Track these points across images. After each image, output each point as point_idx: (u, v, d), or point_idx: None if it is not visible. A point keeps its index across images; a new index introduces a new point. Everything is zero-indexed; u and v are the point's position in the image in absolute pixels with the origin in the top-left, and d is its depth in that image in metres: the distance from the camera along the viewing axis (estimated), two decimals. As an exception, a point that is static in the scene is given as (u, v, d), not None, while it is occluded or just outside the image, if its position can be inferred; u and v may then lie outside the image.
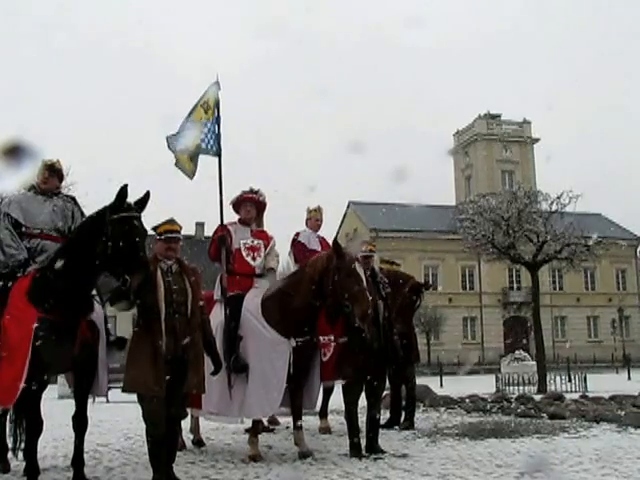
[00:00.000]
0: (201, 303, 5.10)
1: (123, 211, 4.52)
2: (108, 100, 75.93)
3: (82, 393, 5.01)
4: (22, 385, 4.51)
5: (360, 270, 5.76)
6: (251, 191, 6.76)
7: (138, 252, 4.46)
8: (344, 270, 5.65)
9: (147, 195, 4.72)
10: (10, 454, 5.71)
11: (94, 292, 5.08)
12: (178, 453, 5.40)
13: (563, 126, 76.19)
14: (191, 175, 6.50)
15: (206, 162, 6.64)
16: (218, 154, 6.62)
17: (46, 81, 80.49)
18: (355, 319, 5.57)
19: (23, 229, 5.27)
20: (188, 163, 6.48)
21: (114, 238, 4.44)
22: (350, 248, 5.99)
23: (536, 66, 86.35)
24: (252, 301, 6.08)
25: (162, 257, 4.92)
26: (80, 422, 4.96)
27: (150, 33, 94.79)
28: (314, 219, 7.66)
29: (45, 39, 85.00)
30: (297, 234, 7.66)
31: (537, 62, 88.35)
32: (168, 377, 4.67)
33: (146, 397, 4.74)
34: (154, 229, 4.97)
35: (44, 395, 4.96)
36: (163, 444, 4.80)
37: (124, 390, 4.88)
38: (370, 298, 5.72)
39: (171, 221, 5.02)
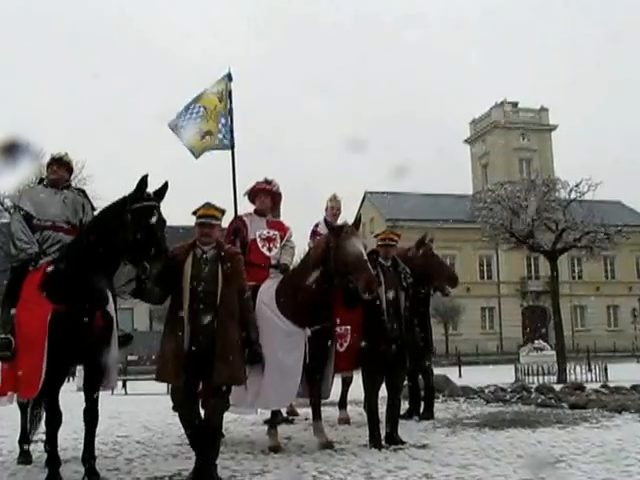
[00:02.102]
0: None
1: (143, 201, 4.53)
2: (114, 94, 76.45)
3: (93, 386, 4.95)
4: (43, 377, 4.53)
5: (360, 243, 5.65)
6: (265, 181, 6.72)
7: (158, 240, 4.47)
8: (342, 245, 5.57)
9: (165, 185, 4.70)
10: (31, 446, 5.77)
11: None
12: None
13: (582, 113, 75.38)
14: (197, 156, 6.51)
15: (219, 153, 6.64)
16: (231, 146, 6.60)
17: (46, 76, 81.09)
18: (361, 293, 5.43)
19: (35, 221, 5.27)
20: (199, 145, 6.47)
21: (134, 227, 4.45)
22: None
23: (553, 52, 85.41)
24: (267, 292, 6.03)
25: (200, 243, 4.84)
26: (91, 417, 4.88)
27: (148, 28, 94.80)
28: (330, 208, 7.62)
29: (45, 34, 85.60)
30: (317, 225, 7.62)
31: (554, 48, 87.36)
32: (195, 369, 4.61)
33: (172, 388, 4.77)
34: (193, 213, 4.93)
35: (63, 387, 4.97)
36: (198, 434, 4.76)
37: (155, 378, 4.93)
38: (375, 273, 5.64)
39: (206, 205, 4.93)
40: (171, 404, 5.24)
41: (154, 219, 4.51)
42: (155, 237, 4.46)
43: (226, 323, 4.68)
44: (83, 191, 5.80)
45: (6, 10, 75.93)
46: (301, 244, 7.51)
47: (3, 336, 4.80)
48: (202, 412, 4.86)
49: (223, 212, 5.00)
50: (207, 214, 4.88)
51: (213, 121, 6.50)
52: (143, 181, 4.56)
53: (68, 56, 79.94)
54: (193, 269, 4.72)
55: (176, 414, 5.06)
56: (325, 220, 6.36)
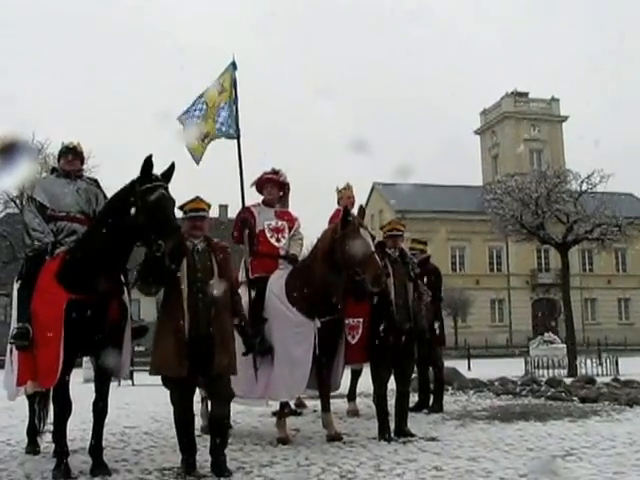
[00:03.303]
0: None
1: (150, 182, 4.56)
2: (114, 89, 76.61)
3: (104, 377, 4.94)
4: (61, 366, 4.54)
5: (366, 235, 5.60)
6: (273, 171, 6.67)
7: (169, 217, 4.51)
8: (349, 237, 5.53)
9: (172, 167, 4.71)
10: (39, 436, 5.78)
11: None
12: (204, 436, 5.36)
13: (593, 103, 74.71)
14: (198, 161, 6.42)
15: (226, 144, 6.58)
16: (237, 136, 6.53)
17: (45, 71, 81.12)
18: (368, 285, 5.40)
19: (48, 212, 5.26)
20: (199, 148, 6.38)
21: (144, 208, 4.47)
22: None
23: (564, 42, 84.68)
24: (276, 282, 6.01)
25: (188, 236, 4.87)
26: (100, 408, 4.88)
27: (149, 21, 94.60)
28: (346, 197, 7.55)
29: (45, 25, 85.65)
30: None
31: (565, 38, 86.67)
32: (194, 358, 4.61)
33: (171, 380, 4.73)
34: (180, 208, 4.94)
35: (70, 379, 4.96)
36: (190, 427, 4.78)
37: (150, 373, 4.87)
38: (383, 264, 5.61)
39: (196, 199, 4.98)
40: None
41: (163, 198, 4.53)
42: (166, 215, 4.49)
43: (223, 313, 4.77)
44: (96, 180, 5.78)
45: (5, 6, 76.13)
46: (309, 235, 7.49)
47: (20, 325, 4.82)
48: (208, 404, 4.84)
49: (209, 206, 5.08)
50: (198, 207, 4.95)
51: (212, 120, 6.41)
52: (147, 162, 4.57)
53: (67, 50, 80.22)
54: (188, 259, 4.75)
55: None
56: (344, 208, 6.28)
